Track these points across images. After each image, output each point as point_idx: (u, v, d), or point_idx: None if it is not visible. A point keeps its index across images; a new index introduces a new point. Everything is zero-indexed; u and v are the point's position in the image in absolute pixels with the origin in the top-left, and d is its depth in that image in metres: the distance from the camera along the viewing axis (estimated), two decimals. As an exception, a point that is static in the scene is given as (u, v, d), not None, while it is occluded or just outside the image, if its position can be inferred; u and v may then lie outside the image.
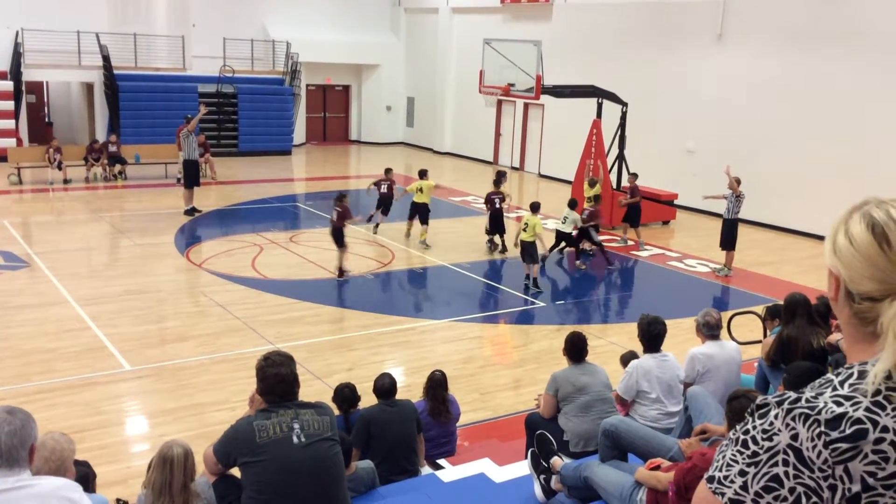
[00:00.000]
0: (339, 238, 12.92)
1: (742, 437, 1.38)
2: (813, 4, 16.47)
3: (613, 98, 17.11)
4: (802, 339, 5.80)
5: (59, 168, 19.52)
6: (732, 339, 7.79)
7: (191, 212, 16.58)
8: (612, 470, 4.73)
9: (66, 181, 19.45)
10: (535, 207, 13.01)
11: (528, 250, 12.53)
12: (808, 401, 1.33)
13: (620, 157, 17.38)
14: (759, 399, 1.40)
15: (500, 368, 9.61)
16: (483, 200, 15.65)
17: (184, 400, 8.24)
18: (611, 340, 10.37)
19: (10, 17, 21.73)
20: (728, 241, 13.69)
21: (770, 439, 1.33)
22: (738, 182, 13.50)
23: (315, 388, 8.03)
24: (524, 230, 12.59)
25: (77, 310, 10.76)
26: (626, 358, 6.98)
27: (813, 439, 1.29)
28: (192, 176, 16.68)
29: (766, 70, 17.49)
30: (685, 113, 19.25)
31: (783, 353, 5.91)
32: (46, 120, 26.11)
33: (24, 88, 22.30)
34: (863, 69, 15.78)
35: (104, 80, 22.91)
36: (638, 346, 6.32)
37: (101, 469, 5.40)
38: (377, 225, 15.70)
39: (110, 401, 8.24)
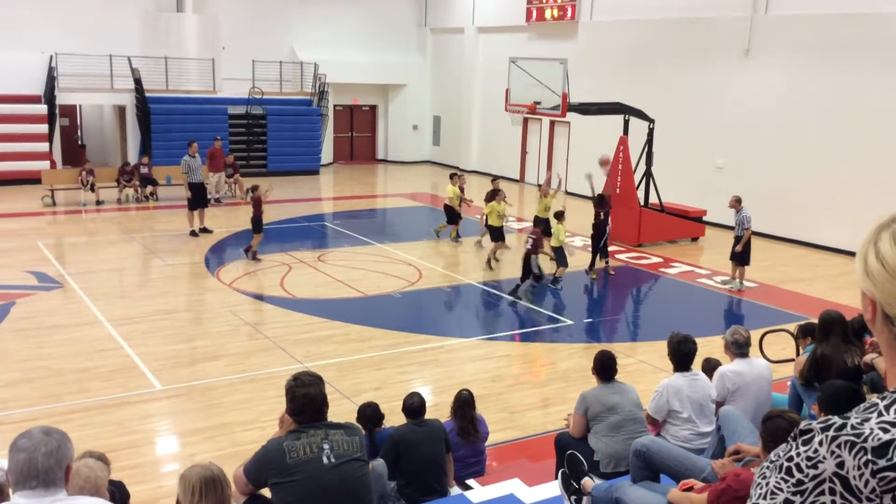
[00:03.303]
0: (256, 225, 14.75)
1: (786, 463, 1.35)
2: (840, 19, 16.35)
3: (640, 115, 17.07)
4: (837, 357, 5.71)
5: (92, 190, 19.84)
6: (764, 356, 7.69)
7: (195, 233, 16.77)
8: (645, 491, 4.68)
9: (98, 203, 19.76)
10: (559, 216, 14.00)
11: (557, 254, 13.78)
12: (853, 427, 1.30)
13: (648, 174, 17.31)
14: (803, 424, 1.37)
15: (528, 387, 9.56)
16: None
17: (214, 419, 8.29)
18: (640, 359, 10.28)
19: (44, 42, 22.21)
20: (741, 256, 13.71)
21: (815, 467, 1.30)
22: (739, 201, 13.72)
23: (344, 408, 8.04)
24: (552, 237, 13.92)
25: (109, 330, 10.89)
26: (711, 366, 6.83)
27: (860, 468, 1.26)
28: (198, 198, 16.94)
29: (794, 85, 17.35)
30: (713, 129, 19.13)
31: (817, 371, 5.82)
32: (79, 142, 26.58)
33: (57, 112, 22.75)
34: (893, 83, 15.60)
35: (136, 103, 23.30)
36: (668, 365, 6.26)
37: (132, 489, 5.45)
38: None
39: (142, 420, 8.31)
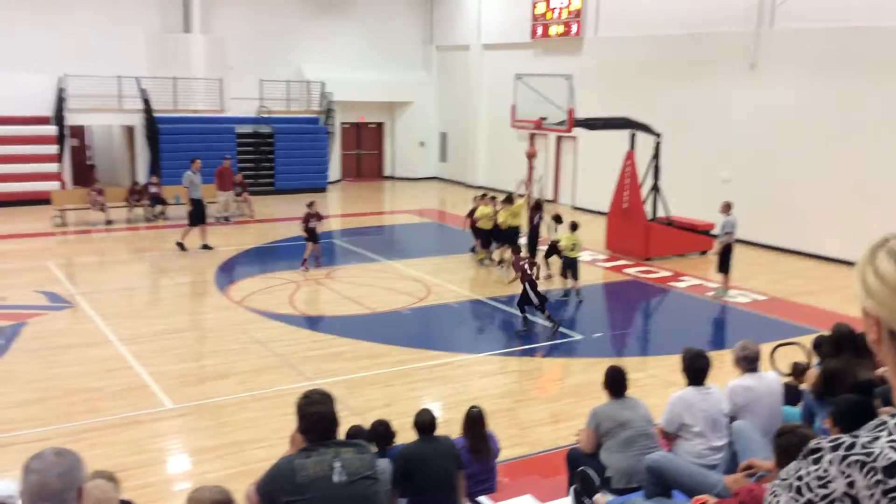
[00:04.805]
0: (312, 234, 15.51)
1: (796, 483, 1.35)
2: (846, 33, 16.35)
3: (646, 129, 17.09)
4: (848, 371, 5.68)
5: (102, 209, 19.95)
6: (776, 370, 7.65)
7: (182, 247, 16.95)
8: (657, 507, 4.65)
9: (108, 222, 19.86)
10: (574, 226, 14.04)
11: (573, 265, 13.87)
12: (863, 446, 1.30)
13: (655, 188, 17.30)
14: (813, 443, 1.37)
15: (538, 403, 9.53)
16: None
17: (224, 438, 8.29)
18: (651, 373, 10.24)
19: (53, 64, 22.41)
20: (721, 262, 13.92)
21: (825, 486, 1.30)
22: (729, 206, 13.83)
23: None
24: (572, 249, 13.78)
25: (120, 349, 10.92)
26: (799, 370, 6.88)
27: (870, 487, 1.26)
28: (198, 214, 17.04)
29: (800, 99, 17.35)
30: (720, 142, 19.13)
31: (828, 385, 5.79)
32: (89, 163, 26.74)
33: (67, 132, 22.92)
34: (900, 95, 15.59)
35: (144, 123, 23.46)
36: (679, 379, 6.23)
37: (144, 508, 5.45)
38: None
39: (153, 439, 8.32)
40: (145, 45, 24.15)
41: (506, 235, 15.56)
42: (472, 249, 16.79)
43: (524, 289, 12.02)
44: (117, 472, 4.51)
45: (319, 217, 15.82)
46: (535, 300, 11.96)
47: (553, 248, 14.94)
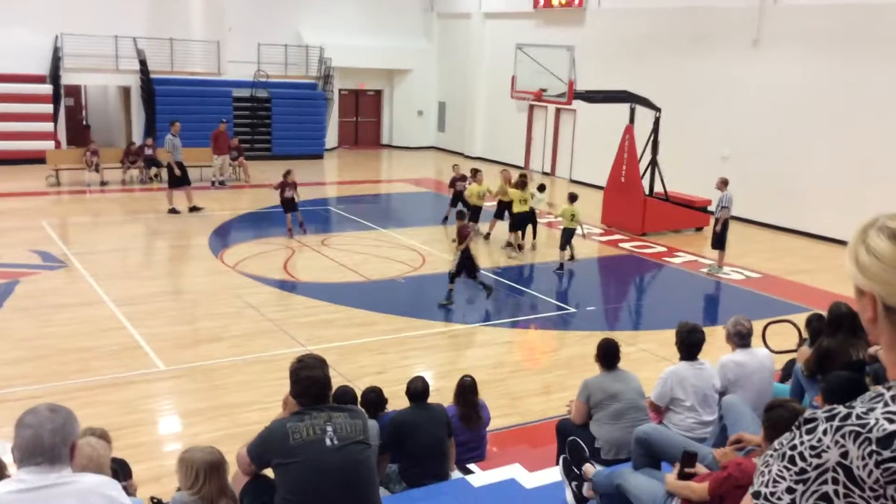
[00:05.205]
0: (291, 204, 15.52)
1: (789, 452, 1.34)
2: (852, 9, 16.22)
3: (647, 103, 16.99)
4: (843, 351, 5.70)
5: (97, 170, 19.84)
6: (767, 347, 7.68)
7: (175, 211, 16.95)
8: (645, 478, 4.69)
9: (102, 183, 19.76)
10: (573, 198, 14.20)
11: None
12: (858, 417, 1.29)
13: (653, 163, 17.25)
14: (808, 413, 1.37)
15: (530, 374, 9.58)
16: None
17: (216, 400, 8.32)
18: (642, 347, 10.28)
19: (49, 23, 22.13)
20: (717, 239, 14.02)
21: (819, 456, 1.30)
22: (725, 183, 13.85)
23: (346, 391, 8.04)
24: (572, 220, 13.98)
25: (113, 310, 10.92)
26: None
27: (864, 458, 1.26)
28: (179, 177, 17.08)
29: (803, 76, 17.25)
30: (720, 119, 19.05)
31: (821, 364, 5.82)
32: (84, 123, 26.53)
33: (62, 92, 22.70)
34: (903, 75, 15.51)
35: (141, 84, 23.25)
36: (673, 353, 6.26)
37: (134, 467, 5.47)
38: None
39: (144, 400, 8.35)
40: (143, 6, 23.85)
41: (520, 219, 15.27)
42: (444, 219, 17.03)
43: (461, 257, 11.81)
44: (109, 431, 4.53)
45: (295, 186, 15.57)
46: (460, 270, 11.82)
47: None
